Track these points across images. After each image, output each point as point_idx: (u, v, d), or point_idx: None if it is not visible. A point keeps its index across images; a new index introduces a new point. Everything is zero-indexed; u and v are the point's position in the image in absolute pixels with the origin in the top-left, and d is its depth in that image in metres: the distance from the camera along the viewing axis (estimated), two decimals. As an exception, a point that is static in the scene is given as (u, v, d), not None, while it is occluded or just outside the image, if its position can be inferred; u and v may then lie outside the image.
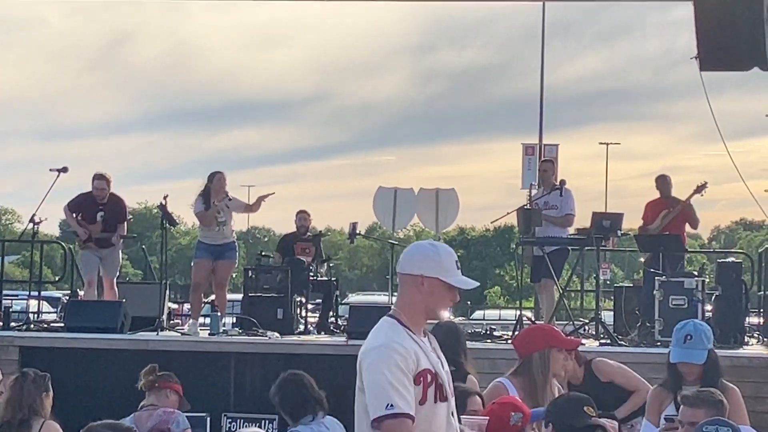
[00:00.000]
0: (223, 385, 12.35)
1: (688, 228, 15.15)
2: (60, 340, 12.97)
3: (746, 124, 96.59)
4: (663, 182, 14.91)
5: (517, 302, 16.38)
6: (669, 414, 6.98)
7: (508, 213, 15.12)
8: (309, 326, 14.97)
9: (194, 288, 14.66)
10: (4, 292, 16.28)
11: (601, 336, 12.94)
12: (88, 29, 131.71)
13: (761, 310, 14.59)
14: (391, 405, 4.37)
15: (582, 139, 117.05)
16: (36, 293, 16.53)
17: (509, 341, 12.37)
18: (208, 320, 14.55)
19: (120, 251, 14.82)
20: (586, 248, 13.91)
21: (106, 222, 14.49)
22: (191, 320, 14.27)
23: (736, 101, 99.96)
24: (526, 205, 14.51)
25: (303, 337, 13.82)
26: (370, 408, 4.42)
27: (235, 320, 15.38)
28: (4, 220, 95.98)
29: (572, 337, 8.00)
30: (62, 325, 13.96)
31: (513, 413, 5.51)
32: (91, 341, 12.78)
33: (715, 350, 7.14)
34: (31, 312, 16.24)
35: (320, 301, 15.73)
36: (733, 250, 50.62)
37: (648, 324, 13.04)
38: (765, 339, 13.60)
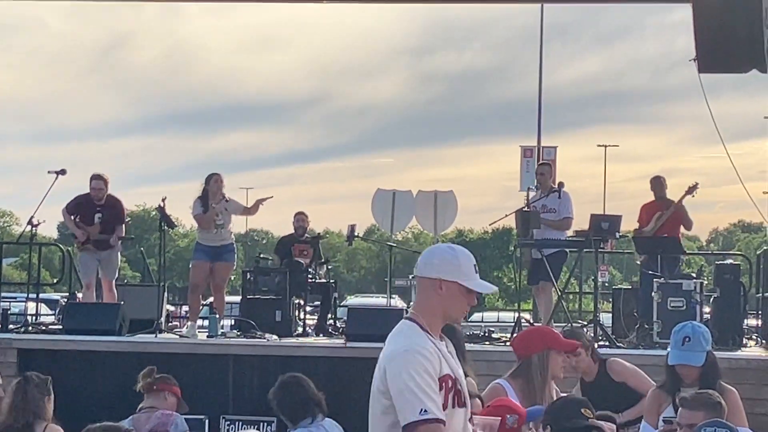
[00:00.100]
0: (221, 387, 12.34)
1: (683, 230, 15.14)
2: (58, 342, 12.96)
3: (745, 126, 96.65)
4: (657, 184, 14.92)
5: (516, 304, 16.37)
6: (667, 416, 6.99)
7: (506, 215, 15.12)
8: (307, 328, 14.97)
9: (192, 289, 14.66)
10: (3, 294, 16.28)
11: (600, 338, 12.95)
12: (86, 32, 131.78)
13: (759, 312, 14.60)
14: (425, 410, 4.35)
15: (580, 141, 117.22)
16: (34, 295, 16.51)
17: (507, 343, 12.37)
18: (206, 322, 14.56)
19: (119, 253, 14.82)
20: (585, 250, 13.91)
21: (104, 223, 14.49)
22: (190, 322, 14.28)
23: (734, 103, 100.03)
24: (524, 207, 14.50)
25: (301, 340, 13.81)
26: (402, 413, 4.38)
27: (233, 322, 15.39)
28: (2, 223, 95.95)
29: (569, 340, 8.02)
30: (60, 327, 13.96)
31: (509, 416, 5.51)
32: (90, 343, 12.78)
33: (714, 352, 7.15)
34: (30, 314, 16.21)
35: (319, 303, 15.72)
36: (731, 252, 50.61)
37: (646, 326, 13.05)
38: (763, 341, 13.60)
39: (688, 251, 18.44)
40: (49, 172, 14.73)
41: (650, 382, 8.08)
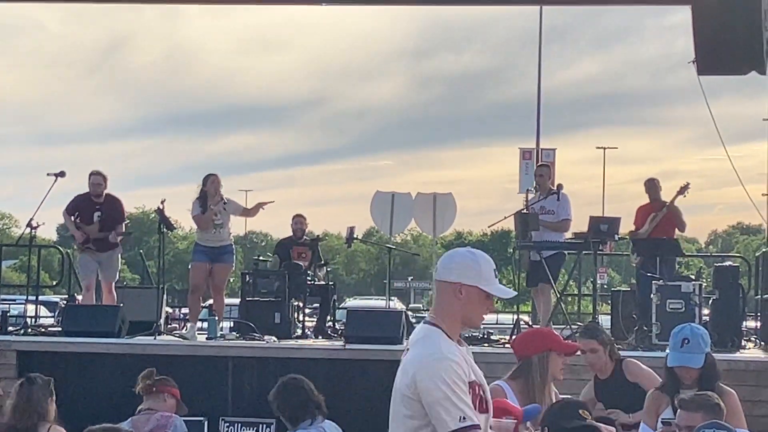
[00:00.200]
0: (220, 389, 12.34)
1: (679, 232, 15.15)
2: (58, 344, 12.96)
3: (743, 128, 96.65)
4: (651, 186, 14.93)
5: (515, 306, 16.35)
6: (666, 417, 7.00)
7: (505, 217, 15.12)
8: (306, 330, 14.97)
9: (193, 291, 14.66)
10: (2, 296, 16.27)
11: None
12: (85, 33, 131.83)
13: (758, 314, 14.60)
14: (464, 417, 4.37)
15: (579, 143, 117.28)
16: (33, 297, 16.50)
17: (506, 345, 12.38)
18: (205, 324, 14.55)
19: (119, 255, 14.81)
20: (584, 252, 13.91)
21: (103, 222, 14.46)
22: (189, 324, 14.27)
23: (733, 105, 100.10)
24: (523, 209, 14.51)
25: (300, 342, 13.80)
26: (440, 422, 4.38)
27: (232, 324, 15.38)
28: (1, 225, 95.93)
29: (571, 342, 8.03)
30: (60, 329, 13.95)
31: (504, 418, 5.52)
32: (89, 345, 12.78)
33: (713, 354, 7.15)
34: (29, 316, 16.20)
35: (318, 305, 15.73)
36: (730, 254, 50.61)
37: (645, 328, 13.05)
38: (762, 343, 13.60)
39: (687, 253, 18.47)
40: (48, 174, 14.72)
41: None
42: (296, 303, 14.91)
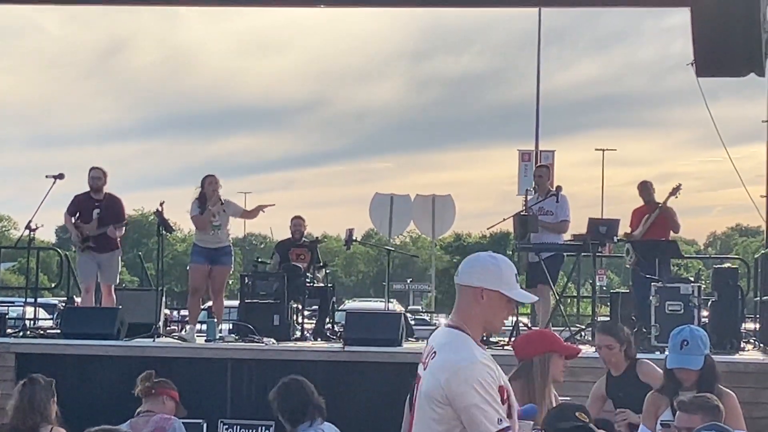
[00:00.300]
0: (219, 391, 12.33)
1: (679, 233, 15.14)
2: (56, 346, 12.95)
3: (742, 130, 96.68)
4: (644, 188, 14.94)
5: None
6: (665, 419, 7.00)
7: (504, 219, 15.12)
8: (305, 332, 14.96)
9: (192, 293, 14.64)
10: (1, 298, 16.26)
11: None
12: (84, 36, 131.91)
13: (757, 316, 14.59)
14: (501, 420, 4.38)
15: (578, 145, 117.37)
16: (32, 300, 16.49)
17: (506, 347, 12.37)
18: (204, 326, 14.54)
19: (119, 258, 14.79)
20: (583, 254, 13.91)
21: (102, 219, 14.42)
22: (189, 326, 14.27)
23: (732, 107, 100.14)
24: (522, 211, 14.51)
25: (299, 344, 13.80)
26: (478, 425, 4.37)
27: (231, 326, 15.38)
28: (0, 227, 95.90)
29: (572, 344, 8.03)
30: (59, 331, 13.94)
31: None
32: (88, 348, 12.77)
33: (712, 356, 7.15)
34: (28, 319, 16.20)
35: (316, 307, 15.72)
36: (729, 256, 50.68)
37: (644, 330, 13.04)
38: (761, 344, 13.60)
39: (685, 255, 18.47)
40: (47, 176, 14.71)
41: None
42: (295, 305, 14.90)
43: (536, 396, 6.42)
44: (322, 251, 16.72)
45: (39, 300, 18.22)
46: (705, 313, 13.81)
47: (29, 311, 16.53)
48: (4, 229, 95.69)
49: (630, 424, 7.83)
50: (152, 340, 13.31)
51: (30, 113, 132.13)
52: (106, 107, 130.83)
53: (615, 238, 14.15)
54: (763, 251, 15.15)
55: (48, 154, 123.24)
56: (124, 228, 14.79)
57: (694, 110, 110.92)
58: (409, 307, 51.22)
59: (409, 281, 76.49)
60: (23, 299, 16.20)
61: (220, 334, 14.03)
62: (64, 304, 17.48)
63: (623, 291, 15.47)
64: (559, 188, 14.78)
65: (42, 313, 20.52)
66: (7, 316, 14.85)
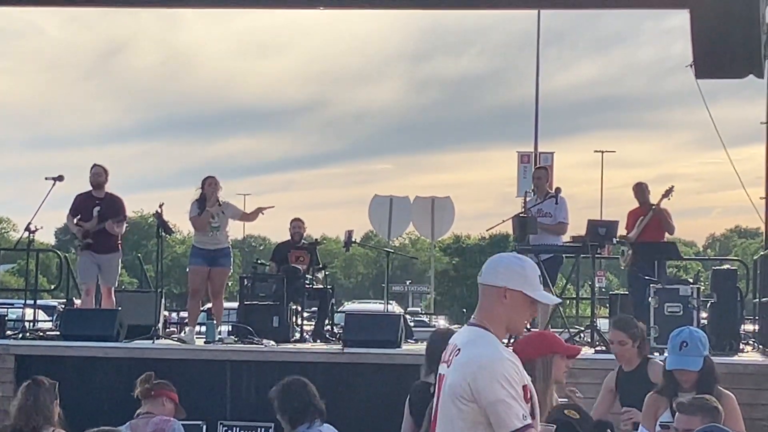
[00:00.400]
0: (218, 393, 12.34)
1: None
2: (56, 348, 12.95)
3: (741, 131, 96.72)
4: (639, 190, 14.96)
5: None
6: (664, 420, 7.00)
7: (503, 221, 15.10)
8: (305, 334, 14.97)
9: (192, 295, 14.63)
10: (0, 300, 16.25)
11: (597, 343, 12.94)
12: (83, 38, 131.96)
13: (756, 318, 14.60)
14: (525, 416, 4.37)
15: (577, 147, 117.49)
16: (32, 302, 16.49)
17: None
18: (203, 328, 14.53)
19: (119, 261, 14.78)
20: (582, 256, 13.91)
21: (102, 217, 14.38)
22: (188, 327, 14.26)
23: (730, 109, 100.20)
24: (521, 212, 14.51)
25: (299, 345, 13.80)
26: (503, 420, 4.35)
27: (230, 328, 15.38)
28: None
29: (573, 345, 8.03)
30: (58, 333, 13.93)
31: None
32: (87, 350, 12.77)
33: (711, 357, 7.15)
34: (27, 321, 16.21)
35: (316, 309, 15.72)
36: (728, 258, 50.66)
37: (643, 331, 13.03)
38: (760, 346, 13.61)
39: (685, 256, 18.48)
40: (46, 178, 14.70)
41: None
42: (294, 307, 14.90)
43: (538, 398, 6.42)
44: (321, 253, 16.72)
45: (38, 302, 18.22)
46: (704, 314, 13.82)
47: (29, 313, 16.53)
48: (3, 230, 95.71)
49: (635, 423, 7.82)
50: (151, 341, 13.30)
51: (29, 114, 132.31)
52: (106, 108, 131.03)
53: (614, 240, 14.15)
54: (762, 253, 15.16)
55: (47, 155, 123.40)
56: (124, 226, 14.74)
57: (694, 112, 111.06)
58: (409, 309, 51.17)
59: (408, 283, 76.43)
60: (23, 301, 16.18)
61: (220, 336, 14.03)
62: (63, 306, 17.48)
63: (622, 292, 15.48)
64: (558, 190, 14.78)
65: (41, 315, 20.52)
66: (6, 318, 14.84)
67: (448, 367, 4.58)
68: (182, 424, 8.42)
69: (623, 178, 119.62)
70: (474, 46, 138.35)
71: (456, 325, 35.88)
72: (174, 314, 24.40)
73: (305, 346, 13.73)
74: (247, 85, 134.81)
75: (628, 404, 8.02)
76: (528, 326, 15.15)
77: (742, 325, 14.54)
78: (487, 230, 68.80)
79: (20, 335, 13.99)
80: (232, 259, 14.71)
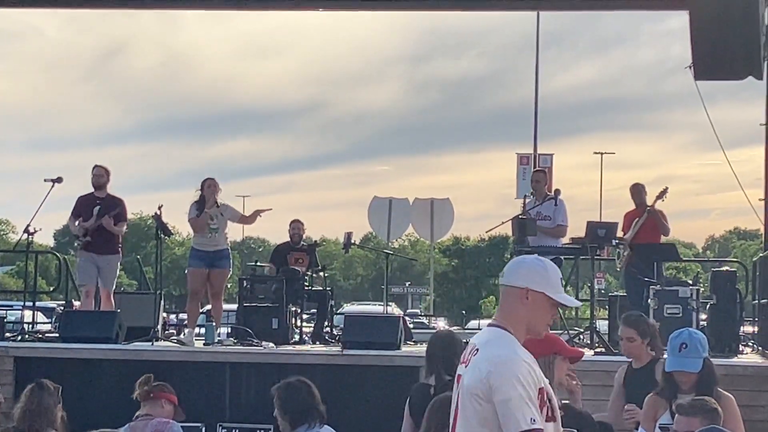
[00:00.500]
0: (218, 395, 12.33)
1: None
2: (55, 350, 12.93)
3: (740, 133, 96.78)
4: (635, 191, 14.97)
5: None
6: (664, 422, 7.00)
7: (502, 223, 15.10)
8: (304, 336, 14.96)
9: (192, 297, 14.62)
10: (-1, 302, 16.24)
11: (596, 345, 12.94)
12: (82, 39, 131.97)
13: (756, 319, 14.59)
14: (534, 419, 4.35)
15: (577, 148, 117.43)
16: (30, 303, 16.48)
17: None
18: (203, 330, 14.52)
19: (118, 264, 14.76)
20: (581, 257, 13.90)
21: (101, 215, 14.39)
22: (188, 329, 14.25)
23: (729, 110, 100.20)
24: (520, 214, 14.51)
25: (298, 347, 13.79)
26: (509, 420, 4.35)
27: (230, 330, 15.37)
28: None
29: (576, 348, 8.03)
30: (57, 335, 13.93)
31: None
32: (87, 351, 12.75)
33: (710, 359, 7.15)
34: (26, 322, 16.18)
35: (315, 310, 15.71)
36: (727, 259, 50.66)
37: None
38: (759, 348, 13.60)
39: (684, 258, 18.49)
40: (45, 179, 14.68)
41: None
42: (294, 308, 14.88)
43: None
44: (320, 254, 16.71)
45: (37, 304, 18.20)
46: (703, 316, 13.81)
47: (27, 315, 16.50)
48: (2, 232, 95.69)
49: (637, 422, 7.80)
50: (151, 343, 13.30)
51: (29, 116, 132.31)
52: (105, 110, 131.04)
53: (614, 241, 14.15)
54: (761, 254, 15.14)
55: (47, 157, 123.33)
56: (124, 227, 14.71)
57: (693, 113, 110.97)
58: (408, 311, 51.23)
59: (407, 284, 76.50)
60: (21, 303, 16.16)
61: (219, 338, 14.02)
62: (62, 308, 17.46)
63: (621, 294, 15.46)
64: (557, 192, 14.78)
65: (40, 317, 20.52)
66: (5, 320, 14.82)
67: (466, 367, 4.59)
68: (181, 426, 8.42)
69: (623, 180, 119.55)
70: (473, 48, 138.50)
71: (455, 327, 35.94)
72: (173, 316, 24.40)
73: (304, 348, 13.72)
74: (246, 86, 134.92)
75: (635, 401, 8.00)
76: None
77: (742, 327, 14.53)
78: (486, 232, 68.91)
79: (19, 337, 13.99)
80: (231, 261, 14.71)
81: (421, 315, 47.20)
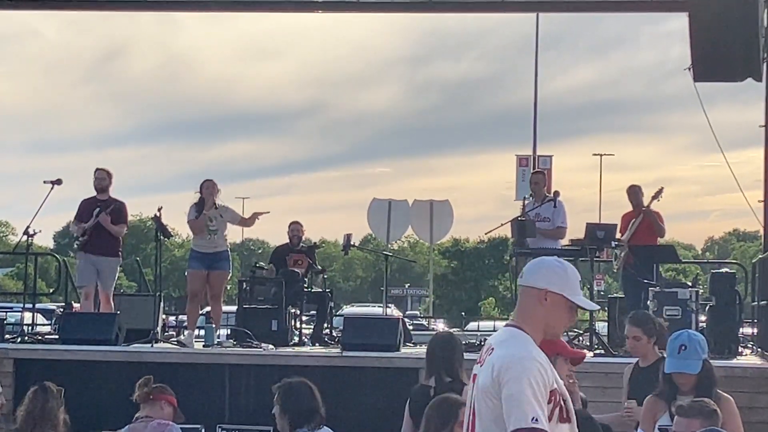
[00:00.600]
0: (217, 396, 12.33)
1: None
2: (55, 352, 12.93)
3: (740, 134, 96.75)
4: (632, 193, 14.98)
5: (511, 313, 16.32)
6: (663, 424, 7.00)
7: (502, 224, 15.11)
8: (303, 338, 14.96)
9: (191, 298, 14.62)
10: (-1, 304, 16.23)
11: (596, 346, 12.94)
12: (82, 42, 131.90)
13: (755, 321, 14.60)
14: (536, 419, 4.33)
15: (576, 150, 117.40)
16: (30, 305, 16.48)
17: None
18: (202, 332, 14.53)
19: (117, 266, 14.75)
20: (580, 259, 13.91)
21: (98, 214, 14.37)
22: (187, 331, 14.25)
23: (728, 112, 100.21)
24: (519, 216, 14.51)
25: (297, 349, 13.79)
26: (511, 417, 4.35)
27: (229, 332, 15.37)
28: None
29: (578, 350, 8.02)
30: (57, 337, 13.93)
31: None
32: (86, 353, 12.75)
33: (710, 360, 7.15)
34: (26, 324, 16.19)
35: (314, 312, 15.71)
36: (726, 261, 50.66)
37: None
38: (759, 349, 13.61)
39: (683, 260, 18.47)
40: (44, 181, 14.69)
41: None
42: (293, 310, 14.88)
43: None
44: (320, 256, 16.71)
45: (37, 305, 18.20)
46: (703, 317, 13.82)
47: (27, 317, 16.50)
48: (2, 234, 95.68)
49: (636, 422, 7.79)
50: (150, 345, 13.30)
51: (28, 118, 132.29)
52: (105, 112, 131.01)
53: (613, 243, 14.15)
54: (760, 256, 15.16)
55: (46, 159, 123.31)
56: (124, 228, 14.68)
57: (692, 115, 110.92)
58: (407, 312, 51.17)
59: (407, 286, 76.47)
60: (21, 305, 16.16)
61: (218, 340, 14.02)
62: (62, 310, 17.46)
63: (621, 296, 15.47)
64: (556, 193, 14.78)
65: (40, 319, 20.52)
66: (5, 322, 14.82)
67: (481, 366, 4.60)
68: (181, 428, 8.42)
69: (622, 182, 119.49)
70: (473, 50, 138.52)
71: (455, 329, 35.93)
72: (173, 318, 24.38)
73: (304, 350, 13.72)
74: (246, 88, 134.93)
75: (640, 400, 8.01)
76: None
77: (741, 329, 14.54)
78: (485, 234, 68.81)
79: (19, 339, 13.99)
80: (230, 263, 14.71)
81: (420, 317, 47.18)
